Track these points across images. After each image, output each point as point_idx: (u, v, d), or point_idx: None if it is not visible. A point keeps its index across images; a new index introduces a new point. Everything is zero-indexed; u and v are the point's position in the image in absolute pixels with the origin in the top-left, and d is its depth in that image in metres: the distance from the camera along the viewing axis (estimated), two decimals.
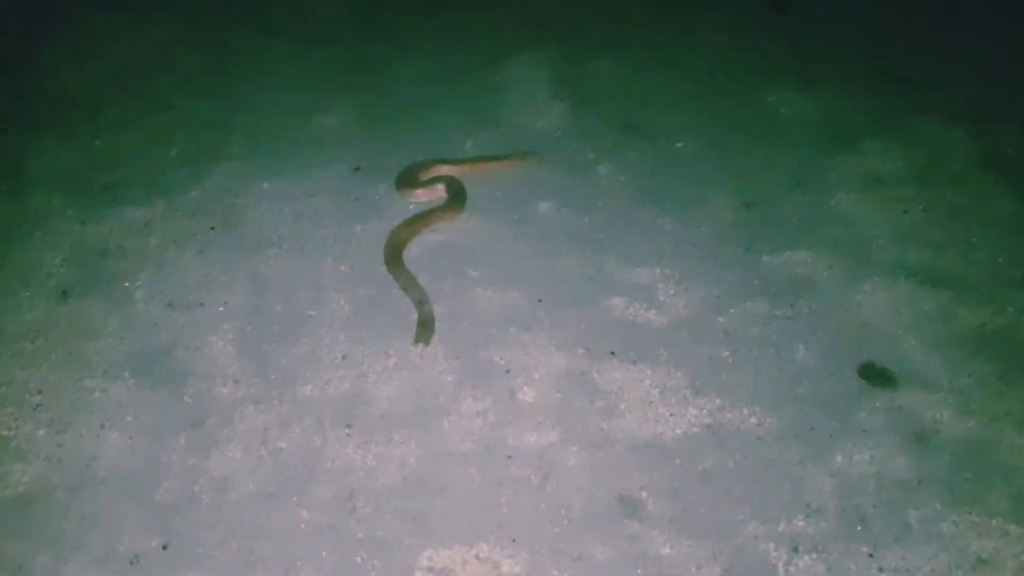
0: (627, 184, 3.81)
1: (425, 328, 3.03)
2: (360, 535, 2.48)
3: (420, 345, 2.99)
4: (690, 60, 4.60)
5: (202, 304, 3.17)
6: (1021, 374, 2.98)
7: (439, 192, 3.66)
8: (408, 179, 3.74)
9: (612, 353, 3.02)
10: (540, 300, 3.22)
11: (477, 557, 2.43)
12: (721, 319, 3.18)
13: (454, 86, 4.40)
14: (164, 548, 2.45)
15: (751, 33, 4.79)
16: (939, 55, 4.57)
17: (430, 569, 2.40)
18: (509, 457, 2.67)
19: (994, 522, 2.56)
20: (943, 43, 4.68)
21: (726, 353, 3.04)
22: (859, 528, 2.54)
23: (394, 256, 3.30)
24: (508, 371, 2.93)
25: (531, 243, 3.49)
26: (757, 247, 3.50)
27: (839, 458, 2.68)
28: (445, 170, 3.80)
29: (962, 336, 3.16)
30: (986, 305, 3.28)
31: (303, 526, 2.50)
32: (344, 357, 2.98)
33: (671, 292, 3.28)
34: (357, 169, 3.80)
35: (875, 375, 2.96)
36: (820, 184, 3.83)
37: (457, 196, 3.64)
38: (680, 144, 4.06)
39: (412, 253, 3.41)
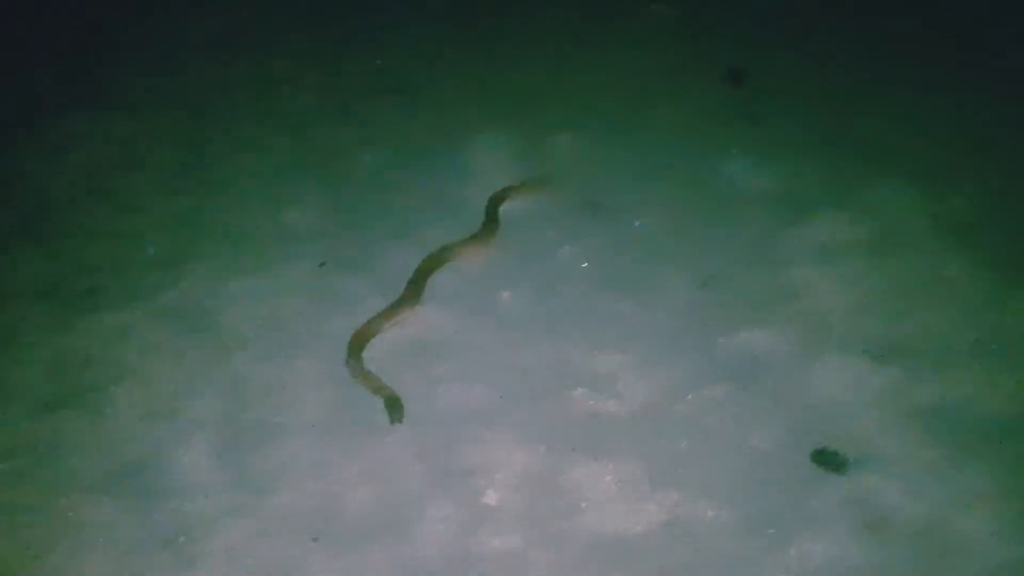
0: (587, 267, 3.88)
1: (395, 407, 3.19)
2: None
3: (396, 424, 3.16)
4: (648, 134, 4.70)
5: (176, 413, 3.25)
6: (975, 452, 3.03)
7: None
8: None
9: (573, 449, 3.10)
10: (502, 397, 3.30)
11: None
12: (679, 407, 3.27)
13: (419, 171, 4.47)
14: None
15: (707, 104, 4.90)
16: (895, 113, 4.67)
17: None
18: (475, 564, 2.74)
19: None
20: (899, 100, 4.78)
21: (684, 444, 3.13)
22: None
23: (352, 352, 3.40)
24: (472, 473, 3.01)
25: (493, 334, 3.58)
26: (715, 328, 3.59)
27: (793, 551, 2.76)
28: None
29: (918, 412, 3.21)
30: (943, 379, 3.34)
31: None
32: (314, 465, 3.05)
33: (631, 380, 3.36)
34: (322, 265, 3.88)
35: (829, 459, 3.05)
36: (776, 258, 3.92)
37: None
38: (638, 223, 4.16)
39: (377, 350, 3.47)
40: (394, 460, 3.07)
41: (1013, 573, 2.70)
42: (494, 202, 4.16)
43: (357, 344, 3.48)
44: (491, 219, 4.07)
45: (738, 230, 4.08)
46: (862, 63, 5.15)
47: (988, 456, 3.03)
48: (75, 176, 4.49)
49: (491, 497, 2.97)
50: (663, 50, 5.33)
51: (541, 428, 3.20)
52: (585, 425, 3.21)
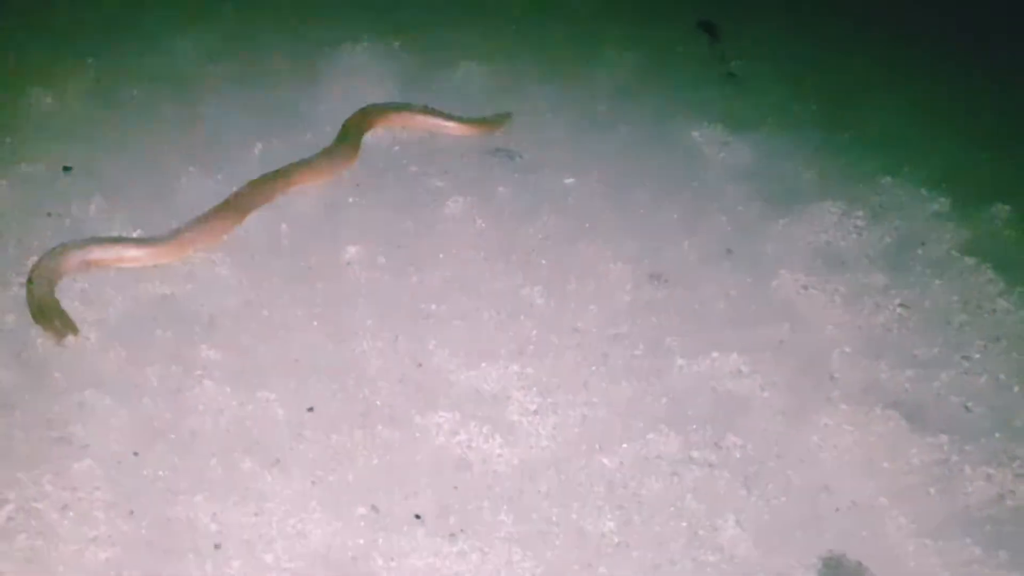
0: (485, 230, 2.50)
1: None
2: None
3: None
4: (597, 74, 3.34)
5: None
6: None
7: None
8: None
9: (417, 517, 1.70)
10: (311, 409, 1.87)
11: None
12: (606, 460, 1.96)
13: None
14: None
15: (675, 57, 3.59)
16: (914, 106, 3.40)
17: None
18: None
19: None
20: (921, 91, 3.53)
21: (610, 524, 1.81)
22: None
23: None
24: (218, 546, 1.56)
25: (311, 308, 2.14)
26: (666, 342, 2.24)
27: None
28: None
29: (969, 513, 2.01)
30: (1001, 462, 2.13)
31: None
32: None
33: (532, 410, 2.02)
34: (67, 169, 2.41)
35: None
36: (756, 257, 2.63)
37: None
38: (570, 180, 2.77)
39: (107, 314, 2.01)
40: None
41: None
42: (356, 125, 2.73)
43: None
44: (346, 141, 2.64)
45: (705, 212, 2.82)
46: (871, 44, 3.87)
47: None
48: None
49: None
50: None
51: (367, 474, 1.83)
52: (446, 476, 1.87)
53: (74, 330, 1.98)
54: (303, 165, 2.58)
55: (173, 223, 2.36)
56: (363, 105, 2.89)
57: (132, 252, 2.22)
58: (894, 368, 2.36)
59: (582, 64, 3.46)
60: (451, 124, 2.94)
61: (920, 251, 2.78)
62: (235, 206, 2.39)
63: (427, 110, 2.92)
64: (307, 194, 2.59)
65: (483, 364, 2.16)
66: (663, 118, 3.24)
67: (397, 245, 2.48)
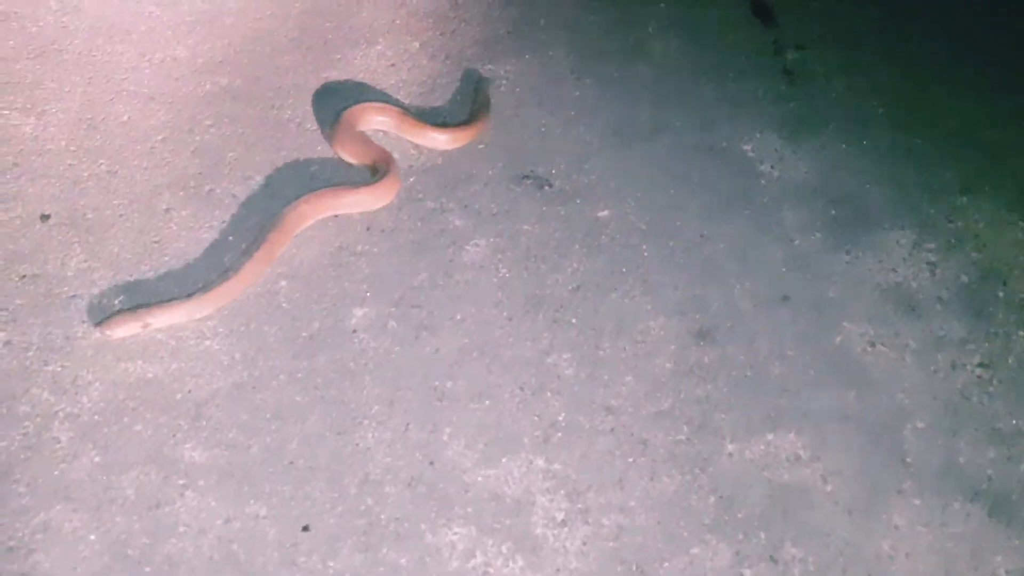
0: (508, 279, 2.23)
1: None
2: None
3: None
4: (640, 70, 3.00)
5: None
6: None
7: None
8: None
9: None
10: (306, 528, 1.64)
11: None
12: None
13: None
14: None
15: (725, 46, 3.19)
16: (997, 99, 3.01)
17: None
18: None
19: None
20: (1006, 81, 3.12)
21: None
22: None
23: None
24: None
25: (311, 391, 1.87)
26: (715, 421, 1.95)
27: None
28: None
29: None
30: None
31: None
32: None
33: (559, 519, 1.79)
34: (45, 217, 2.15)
35: None
36: (817, 303, 2.32)
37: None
38: (604, 213, 2.45)
39: (81, 405, 1.77)
40: None
41: None
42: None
43: None
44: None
45: (759, 244, 2.47)
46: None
47: None
48: None
49: None
50: None
51: None
52: None
53: None
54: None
55: (160, 283, 2.08)
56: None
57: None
58: (974, 447, 2.06)
59: (623, 58, 3.08)
60: (443, 136, 2.63)
61: (1001, 292, 2.44)
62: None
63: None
64: (315, 239, 2.30)
65: (504, 459, 1.89)
66: (711, 125, 2.89)
67: (411, 304, 2.19)
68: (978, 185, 2.76)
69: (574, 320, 2.23)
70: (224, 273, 2.13)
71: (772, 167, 2.76)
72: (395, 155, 2.54)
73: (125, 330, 2.00)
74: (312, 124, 2.64)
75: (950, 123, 2.97)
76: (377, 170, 2.45)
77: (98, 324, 2.00)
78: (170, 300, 2.07)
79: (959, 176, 2.79)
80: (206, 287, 2.09)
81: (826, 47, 3.24)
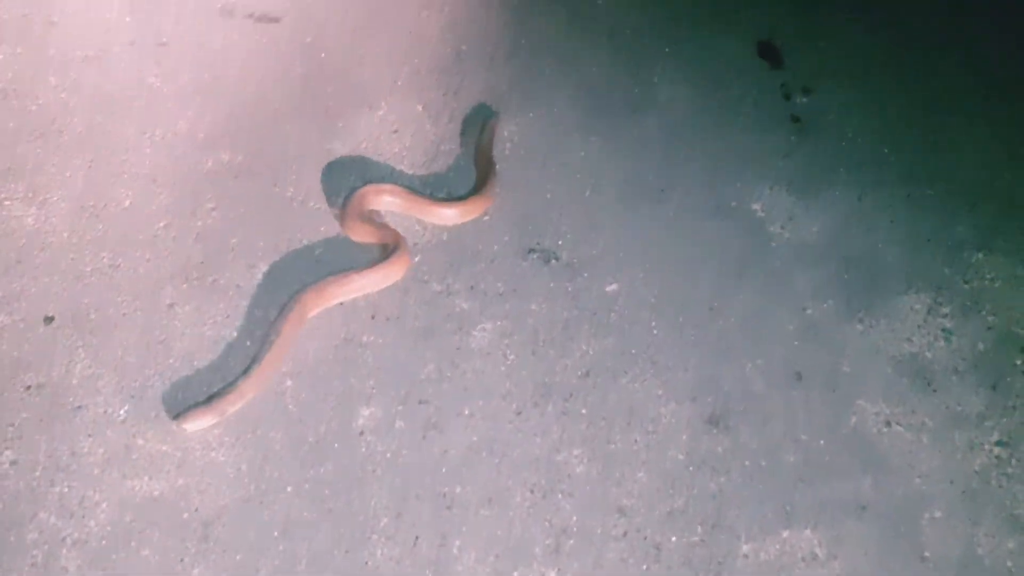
0: (516, 366, 2.21)
1: None
2: None
3: None
4: (648, 122, 2.95)
5: None
6: None
7: None
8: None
9: None
10: None
11: None
12: None
13: None
14: None
15: (732, 94, 3.13)
16: (1014, 142, 2.95)
17: None
18: None
19: None
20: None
21: None
22: None
23: None
24: None
25: (318, 503, 1.86)
26: (729, 519, 1.93)
27: None
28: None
29: None
30: None
31: None
32: None
33: None
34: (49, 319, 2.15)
35: None
36: (831, 380, 2.30)
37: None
38: (613, 287, 2.42)
39: (89, 530, 1.77)
40: None
41: None
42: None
43: None
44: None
45: (770, 315, 2.41)
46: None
47: None
48: None
49: None
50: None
51: None
52: None
53: None
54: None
55: (165, 389, 2.07)
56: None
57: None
58: (994, 537, 2.03)
59: (630, 110, 3.03)
60: (451, 212, 2.62)
61: (1018, 360, 2.41)
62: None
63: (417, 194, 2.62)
64: (320, 329, 2.28)
65: (515, 573, 1.86)
66: (720, 182, 2.84)
67: (418, 399, 2.17)
68: (994, 239, 2.71)
69: (584, 410, 2.20)
70: (262, 347, 2.12)
71: (782, 227, 2.71)
72: (402, 232, 2.51)
73: (203, 423, 2.06)
74: (315, 201, 2.59)
75: (965, 168, 2.91)
76: (386, 248, 2.43)
77: (175, 418, 2.00)
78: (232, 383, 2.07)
79: (974, 230, 2.74)
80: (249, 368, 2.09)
81: (835, 88, 3.18)
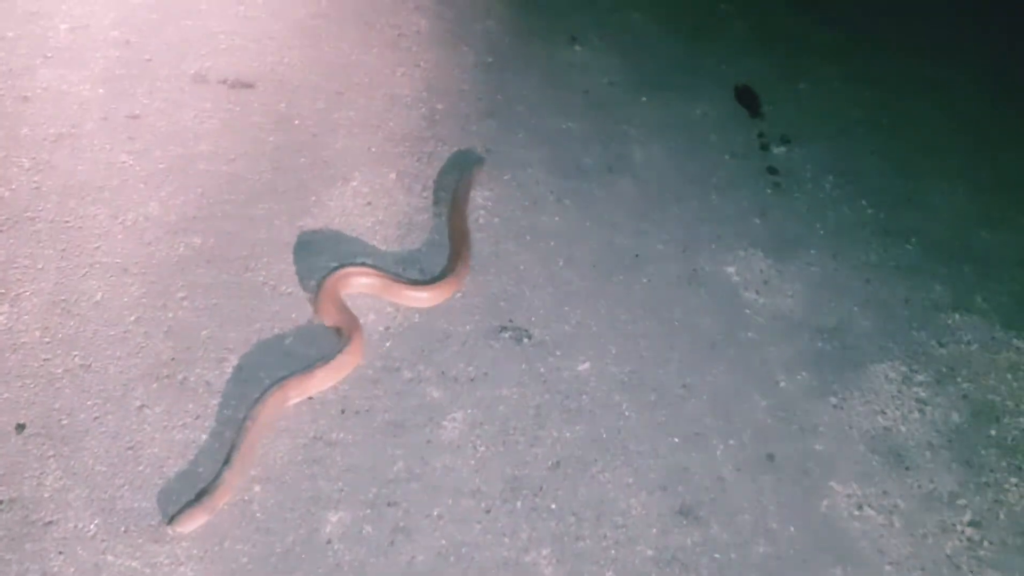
0: (486, 459, 2.23)
1: None
2: None
3: None
4: (622, 185, 2.95)
5: None
6: None
7: None
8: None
9: None
10: None
11: None
12: None
13: None
14: None
15: (708, 149, 3.13)
16: (993, 194, 2.93)
17: None
18: None
19: None
20: (1003, 172, 3.04)
21: None
22: None
23: None
24: None
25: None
26: None
27: None
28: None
29: None
30: None
31: None
32: None
33: None
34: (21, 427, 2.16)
35: None
36: (803, 462, 2.32)
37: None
38: (584, 366, 2.42)
39: None
40: None
41: None
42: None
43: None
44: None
45: (743, 392, 2.45)
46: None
47: None
48: None
49: None
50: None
51: None
52: None
53: None
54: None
55: (135, 500, 2.09)
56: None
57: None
58: None
59: (604, 171, 3.02)
60: (423, 295, 2.61)
61: (993, 430, 2.40)
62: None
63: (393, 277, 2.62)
64: (287, 429, 2.29)
65: None
66: (694, 246, 2.84)
67: (386, 502, 2.18)
68: (970, 299, 2.70)
69: (553, 505, 2.21)
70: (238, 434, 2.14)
71: (757, 293, 2.70)
72: (371, 315, 2.51)
73: (196, 522, 2.09)
74: (287, 286, 2.60)
75: (942, 223, 2.89)
76: (341, 334, 2.44)
77: (170, 523, 2.03)
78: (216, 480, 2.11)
79: (950, 289, 2.72)
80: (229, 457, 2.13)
81: (813, 138, 3.17)
